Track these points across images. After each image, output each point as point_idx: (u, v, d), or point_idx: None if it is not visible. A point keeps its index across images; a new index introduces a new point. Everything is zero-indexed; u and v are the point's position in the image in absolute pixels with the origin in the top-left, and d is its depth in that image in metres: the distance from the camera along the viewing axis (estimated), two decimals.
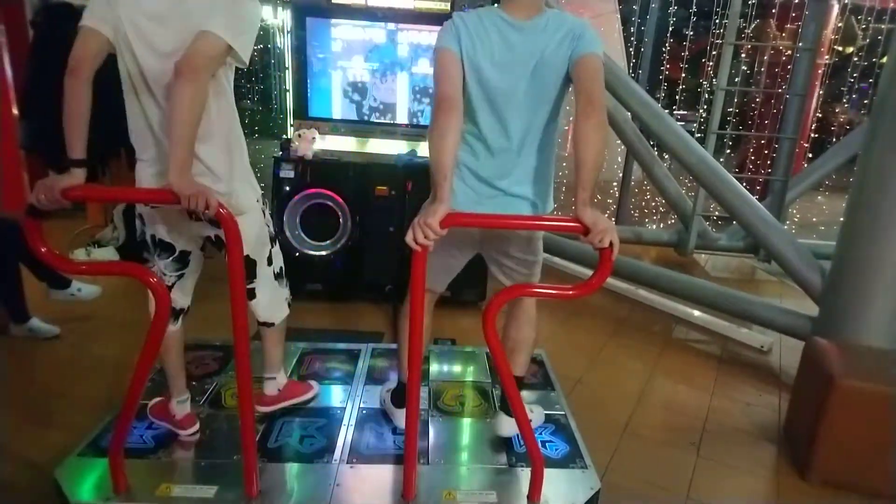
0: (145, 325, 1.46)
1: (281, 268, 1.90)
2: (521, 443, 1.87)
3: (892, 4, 5.47)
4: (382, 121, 3.40)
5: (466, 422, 2.06)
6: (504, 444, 1.92)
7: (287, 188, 3.14)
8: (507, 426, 1.89)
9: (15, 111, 3.85)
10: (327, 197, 3.17)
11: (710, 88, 5.28)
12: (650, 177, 4.56)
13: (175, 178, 1.39)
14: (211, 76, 1.47)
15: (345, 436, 1.91)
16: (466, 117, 1.61)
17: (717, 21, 5.82)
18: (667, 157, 4.93)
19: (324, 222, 3.22)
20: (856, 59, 6.10)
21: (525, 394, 2.20)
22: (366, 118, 3.41)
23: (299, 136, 3.18)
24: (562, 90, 1.60)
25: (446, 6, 3.25)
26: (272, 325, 1.90)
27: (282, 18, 3.30)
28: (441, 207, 1.38)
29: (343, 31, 3.28)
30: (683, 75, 6.36)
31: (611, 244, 1.37)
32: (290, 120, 3.38)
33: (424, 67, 3.32)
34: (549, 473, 1.66)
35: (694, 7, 6.04)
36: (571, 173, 1.46)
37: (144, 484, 1.62)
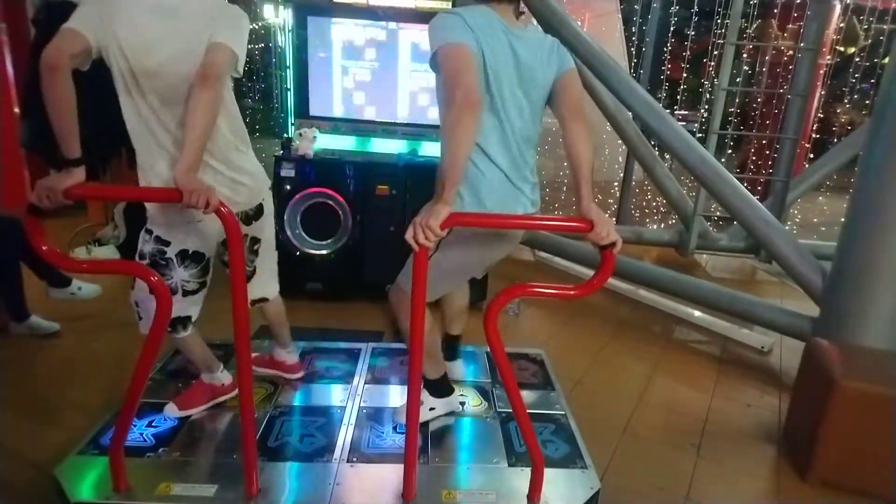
0: None
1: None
2: (522, 442, 1.87)
3: (894, 5, 5.47)
4: (383, 120, 3.40)
5: (466, 421, 2.06)
6: (504, 443, 1.92)
7: (288, 187, 3.14)
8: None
9: (16, 110, 3.85)
10: (328, 196, 3.17)
11: (711, 88, 5.27)
12: (651, 177, 4.56)
13: (180, 175, 1.42)
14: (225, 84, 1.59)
15: (345, 435, 1.91)
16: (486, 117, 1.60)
17: (719, 21, 5.81)
18: (668, 157, 4.93)
19: (324, 221, 3.22)
20: (857, 59, 6.09)
21: (524, 394, 2.21)
22: (367, 117, 3.40)
23: (300, 134, 3.18)
24: (545, 100, 1.69)
25: (447, 5, 3.25)
26: (270, 298, 2.07)
27: (283, 17, 3.29)
28: (445, 210, 1.38)
29: (344, 30, 3.27)
30: (685, 75, 6.35)
31: (613, 242, 1.39)
32: (291, 119, 3.38)
33: (425, 66, 3.30)
34: (549, 473, 1.66)
35: (695, 7, 6.03)
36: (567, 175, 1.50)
37: (144, 482, 1.62)
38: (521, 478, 1.73)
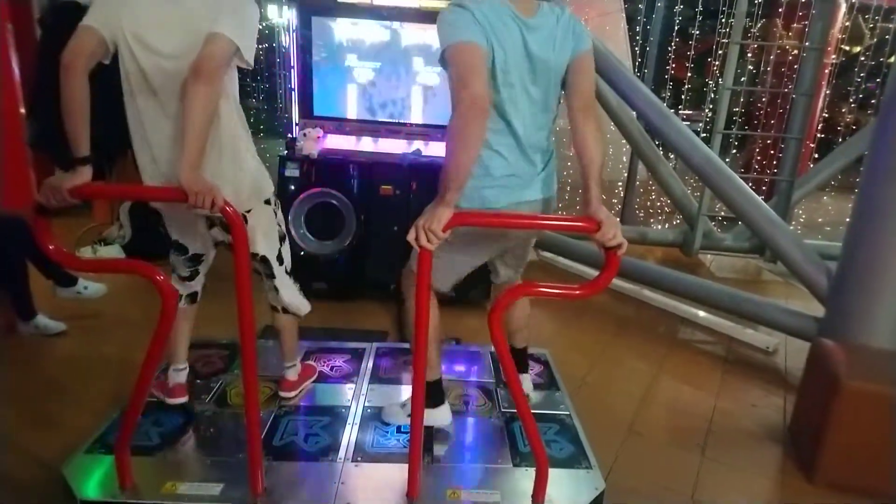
0: (151, 323, 1.47)
1: (289, 268, 1.98)
2: (526, 442, 1.87)
3: None
4: (387, 120, 3.40)
5: (470, 421, 2.07)
6: (508, 443, 1.92)
7: (292, 187, 3.14)
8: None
9: (22, 109, 3.87)
10: (332, 196, 3.17)
11: (715, 88, 5.26)
12: (655, 176, 4.55)
13: (185, 175, 1.41)
14: (223, 76, 1.51)
15: (349, 434, 1.92)
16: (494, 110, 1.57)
17: (723, 20, 5.79)
18: (672, 156, 4.92)
19: (329, 221, 3.22)
20: (863, 58, 6.07)
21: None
22: (371, 117, 3.41)
23: (304, 134, 3.19)
24: (560, 87, 1.64)
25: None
26: (299, 315, 2.03)
27: (287, 17, 3.30)
28: (447, 213, 1.38)
29: (348, 30, 3.28)
30: (689, 75, 6.34)
31: (619, 244, 1.38)
32: (295, 119, 3.39)
33: (429, 66, 3.31)
34: (553, 473, 1.66)
35: (700, 6, 6.01)
36: (577, 173, 1.48)
37: (150, 481, 1.63)
38: (525, 478, 1.74)
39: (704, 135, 5.18)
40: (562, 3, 1.64)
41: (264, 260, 1.86)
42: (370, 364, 2.41)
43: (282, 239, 1.92)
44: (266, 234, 1.83)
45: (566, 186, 5.40)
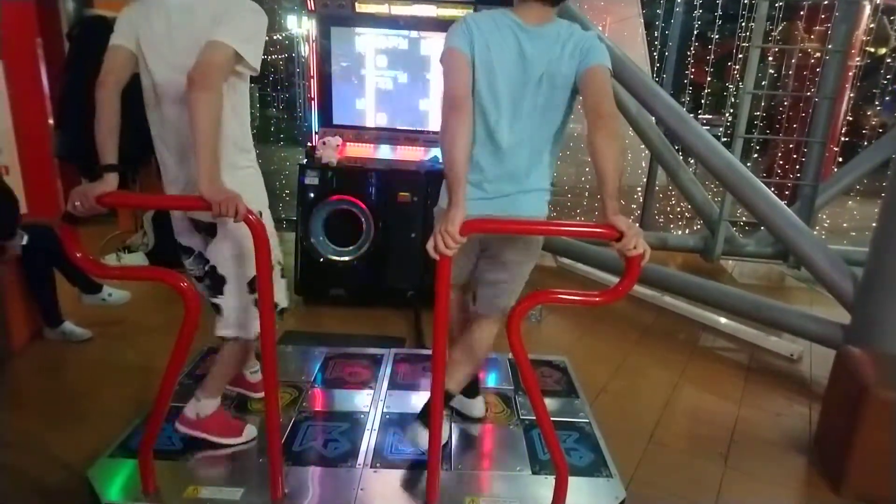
0: (174, 330, 1.49)
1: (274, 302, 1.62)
2: (545, 450, 1.86)
3: None
4: (405, 128, 3.43)
5: (489, 428, 2.06)
6: (527, 451, 1.91)
7: (312, 195, 3.18)
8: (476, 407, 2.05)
9: (50, 121, 3.98)
10: (351, 203, 3.20)
11: (736, 92, 5.20)
12: (675, 182, 4.51)
13: (204, 185, 1.43)
14: (223, 83, 1.49)
15: (368, 440, 1.92)
16: (475, 118, 1.60)
17: (743, 24, 5.73)
18: (692, 161, 4.87)
19: (347, 228, 3.25)
20: (889, 60, 5.94)
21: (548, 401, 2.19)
22: (389, 125, 3.43)
23: (324, 143, 3.23)
24: (569, 102, 1.63)
25: (468, 13, 3.26)
26: (236, 339, 1.77)
27: (306, 28, 3.35)
28: (459, 213, 1.39)
29: (367, 40, 3.32)
30: (709, 79, 6.27)
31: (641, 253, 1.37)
32: (314, 128, 3.43)
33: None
34: (573, 482, 1.64)
35: (719, 10, 5.95)
36: (593, 178, 1.46)
37: (173, 485, 1.65)
38: (544, 486, 1.72)
39: (725, 139, 5.11)
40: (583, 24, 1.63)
41: (217, 277, 1.71)
42: (388, 370, 2.42)
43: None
44: (238, 253, 1.67)
45: (584, 192, 5.38)
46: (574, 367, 2.55)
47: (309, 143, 3.42)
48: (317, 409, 2.13)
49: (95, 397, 2.35)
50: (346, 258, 3.28)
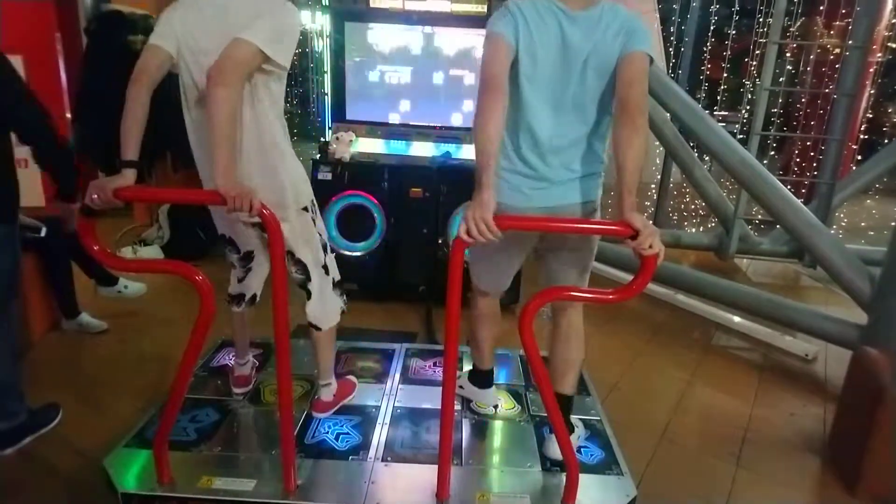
0: (188, 322, 1.51)
1: (337, 279, 1.96)
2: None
3: None
4: (418, 123, 3.42)
5: (500, 424, 2.06)
6: (538, 448, 1.91)
7: (325, 190, 3.19)
8: (554, 448, 1.78)
9: (68, 115, 4.03)
10: (363, 198, 3.21)
11: (752, 88, 5.14)
12: (690, 179, 4.46)
13: (219, 179, 1.44)
14: (243, 81, 1.51)
15: (380, 434, 1.93)
16: (517, 107, 1.59)
17: (761, 19, 5.65)
18: (707, 158, 4.82)
19: (359, 223, 3.26)
20: None
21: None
22: (402, 120, 3.44)
23: (337, 138, 3.24)
24: (612, 85, 1.56)
25: (482, 8, 3.25)
26: (320, 329, 1.94)
27: (320, 23, 3.36)
28: (488, 195, 1.36)
29: (380, 35, 3.32)
30: (725, 75, 6.20)
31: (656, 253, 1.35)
32: (328, 123, 3.44)
33: (460, 70, 3.33)
34: (583, 479, 1.64)
35: (736, 5, 5.88)
36: (608, 174, 1.45)
37: (187, 475, 1.67)
38: (555, 483, 1.72)
39: (741, 136, 5.06)
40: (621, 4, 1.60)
41: (302, 266, 1.84)
42: (400, 364, 2.43)
43: (325, 248, 1.89)
44: (308, 241, 1.82)
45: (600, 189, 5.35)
46: (586, 364, 2.54)
47: (322, 139, 3.43)
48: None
49: (111, 388, 2.39)
50: (359, 253, 3.29)
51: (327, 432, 1.93)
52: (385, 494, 1.66)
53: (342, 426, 1.97)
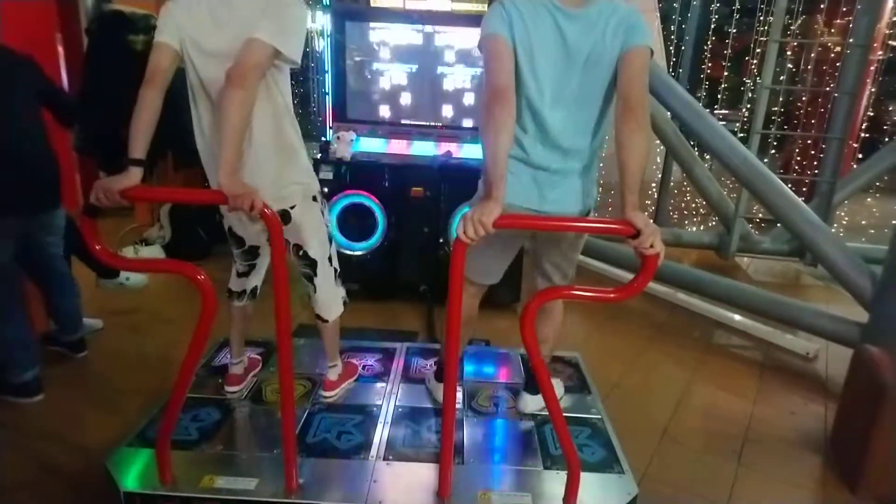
0: (189, 321, 1.51)
1: (338, 270, 2.02)
2: (557, 445, 1.86)
3: None
4: (419, 123, 3.43)
5: (501, 423, 2.06)
6: (539, 446, 1.91)
7: (326, 189, 3.18)
8: (532, 403, 2.03)
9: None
10: (364, 198, 3.21)
11: (753, 87, 5.13)
12: (690, 177, 4.47)
13: (223, 178, 1.45)
14: (259, 81, 1.53)
15: (381, 433, 1.94)
16: (520, 106, 1.57)
17: (762, 18, 5.65)
18: (708, 157, 4.82)
19: (361, 222, 3.26)
20: None
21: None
22: (403, 120, 3.44)
23: (338, 138, 3.24)
24: (613, 83, 1.56)
25: (483, 7, 3.25)
26: (327, 321, 2.01)
27: (321, 23, 3.36)
28: (497, 207, 1.36)
29: (381, 34, 3.32)
30: (726, 73, 6.19)
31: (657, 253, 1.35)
32: (329, 122, 3.44)
33: (461, 69, 3.33)
34: (585, 477, 1.65)
35: (737, 4, 5.88)
36: (610, 173, 1.45)
37: (189, 475, 1.67)
38: (556, 481, 1.72)
39: (742, 135, 5.05)
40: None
41: (311, 261, 1.89)
42: (401, 364, 2.44)
43: (330, 240, 1.96)
44: (317, 232, 1.87)
45: (599, 187, 5.35)
46: (587, 362, 2.55)
47: (323, 138, 3.43)
48: (337, 402, 2.15)
49: (113, 387, 2.39)
50: (360, 252, 3.30)
51: (329, 431, 1.93)
52: (387, 493, 1.66)
53: (344, 425, 1.97)
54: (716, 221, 4.75)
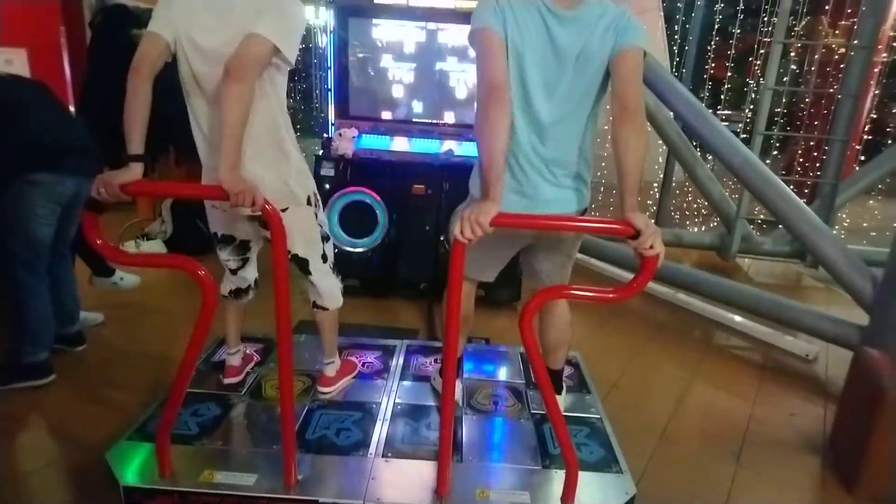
0: (188, 316, 1.52)
1: (333, 263, 2.03)
2: (556, 445, 1.87)
3: None
4: (421, 120, 3.42)
5: (499, 421, 2.07)
6: (538, 445, 1.91)
7: (327, 186, 3.19)
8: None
9: (72, 108, 4.03)
10: (366, 195, 3.21)
11: (756, 88, 5.12)
12: (692, 178, 4.46)
13: (224, 174, 1.45)
14: (257, 77, 1.52)
15: (380, 430, 1.94)
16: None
17: (766, 18, 5.63)
18: (710, 157, 4.81)
19: (362, 219, 3.26)
20: None
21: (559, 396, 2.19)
22: (405, 117, 3.43)
23: (340, 134, 3.24)
24: (604, 83, 1.56)
25: None
26: (326, 308, 2.03)
27: (324, 19, 3.35)
28: (494, 207, 1.35)
29: (384, 31, 3.31)
30: (729, 74, 6.18)
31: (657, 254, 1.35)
32: (331, 119, 3.44)
33: (464, 66, 3.32)
34: (583, 477, 1.65)
35: (741, 4, 5.86)
36: (611, 174, 1.45)
37: (188, 469, 1.68)
38: (554, 480, 1.73)
39: (744, 136, 5.04)
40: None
41: (300, 260, 1.90)
42: (401, 361, 2.44)
43: (325, 239, 1.96)
44: (304, 234, 1.86)
45: (600, 187, 5.35)
46: (586, 362, 2.55)
47: (325, 134, 3.43)
48: (335, 399, 2.15)
49: (113, 381, 2.39)
50: (361, 249, 3.30)
51: (328, 428, 1.94)
52: (385, 490, 1.66)
53: (343, 422, 1.98)
54: (717, 222, 4.74)
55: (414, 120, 3.43)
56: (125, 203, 1.74)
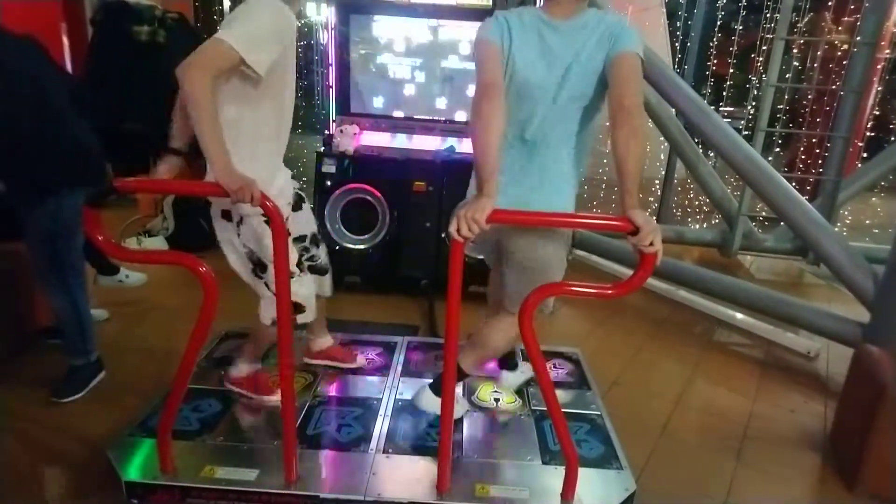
0: (190, 312, 1.52)
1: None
2: (556, 441, 1.87)
3: None
4: (422, 117, 3.42)
5: (500, 418, 2.07)
6: (538, 441, 1.92)
7: (328, 183, 3.20)
8: (429, 402, 1.95)
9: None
10: (367, 192, 3.22)
11: (759, 84, 5.11)
12: (694, 175, 4.45)
13: (218, 173, 1.45)
14: (212, 77, 1.47)
15: (381, 426, 1.95)
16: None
17: (768, 15, 5.60)
18: (712, 154, 4.81)
19: (363, 216, 3.27)
20: None
21: (560, 393, 2.20)
22: (406, 114, 3.43)
23: (341, 131, 3.24)
24: (599, 90, 1.58)
25: (488, 2, 3.25)
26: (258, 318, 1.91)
27: (325, 15, 3.35)
28: (489, 203, 1.37)
29: (385, 28, 3.31)
30: (731, 71, 6.16)
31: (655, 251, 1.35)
32: (332, 115, 3.44)
33: (465, 63, 3.32)
34: (583, 473, 1.66)
35: (743, 0, 5.84)
36: (612, 170, 1.45)
37: (190, 465, 1.69)
38: (554, 476, 1.73)
39: (747, 133, 5.03)
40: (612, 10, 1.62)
41: (256, 260, 1.80)
42: (402, 357, 2.44)
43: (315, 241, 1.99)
44: (256, 240, 1.75)
45: (601, 184, 5.34)
46: (587, 358, 2.55)
47: (326, 131, 3.43)
48: (331, 394, 2.16)
49: (115, 377, 2.40)
50: (362, 246, 3.30)
51: (329, 424, 1.94)
52: (386, 486, 1.67)
53: (344, 418, 1.98)
54: (719, 219, 4.73)
55: (415, 117, 3.43)
56: (127, 200, 1.75)
